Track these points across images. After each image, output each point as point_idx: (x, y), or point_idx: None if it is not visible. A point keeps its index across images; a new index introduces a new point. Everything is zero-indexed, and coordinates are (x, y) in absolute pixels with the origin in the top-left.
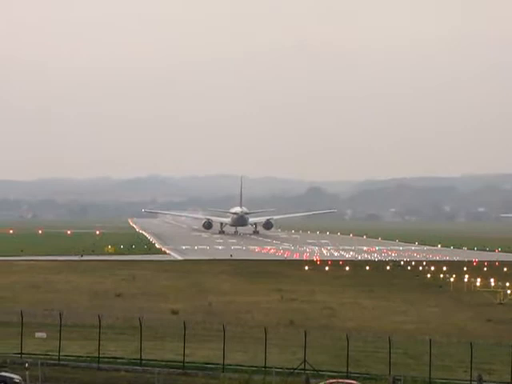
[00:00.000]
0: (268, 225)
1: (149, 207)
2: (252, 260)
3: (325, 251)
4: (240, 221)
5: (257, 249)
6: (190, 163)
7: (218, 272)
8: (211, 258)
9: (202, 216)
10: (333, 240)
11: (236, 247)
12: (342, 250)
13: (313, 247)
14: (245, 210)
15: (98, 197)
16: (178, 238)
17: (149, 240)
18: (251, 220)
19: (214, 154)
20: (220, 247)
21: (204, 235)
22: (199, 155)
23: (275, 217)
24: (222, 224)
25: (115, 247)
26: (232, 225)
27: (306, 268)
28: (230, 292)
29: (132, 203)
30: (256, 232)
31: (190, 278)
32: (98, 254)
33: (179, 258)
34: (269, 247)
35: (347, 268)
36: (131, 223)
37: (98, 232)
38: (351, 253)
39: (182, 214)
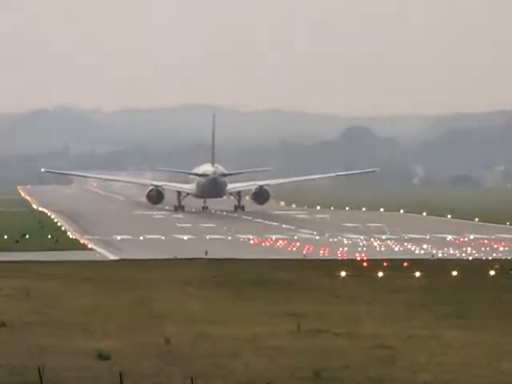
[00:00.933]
0: (261, 195)
1: (56, 164)
2: (244, 260)
3: (376, 243)
4: (212, 188)
5: (253, 239)
6: (131, 86)
7: (181, 282)
8: (168, 256)
9: (146, 181)
10: (390, 223)
11: (214, 236)
12: (408, 240)
13: (354, 236)
14: (220, 169)
15: None
16: (109, 221)
17: (56, 224)
18: (231, 187)
19: (177, 72)
20: (185, 237)
21: (156, 214)
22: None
23: (272, 181)
24: (179, 194)
25: None
26: (198, 195)
27: (343, 274)
28: (202, 318)
29: (26, 157)
30: (240, 207)
31: (130, 292)
32: None
33: (111, 256)
34: (274, 236)
35: (417, 274)
36: (23, 194)
37: None
38: (424, 246)
39: (111, 178)
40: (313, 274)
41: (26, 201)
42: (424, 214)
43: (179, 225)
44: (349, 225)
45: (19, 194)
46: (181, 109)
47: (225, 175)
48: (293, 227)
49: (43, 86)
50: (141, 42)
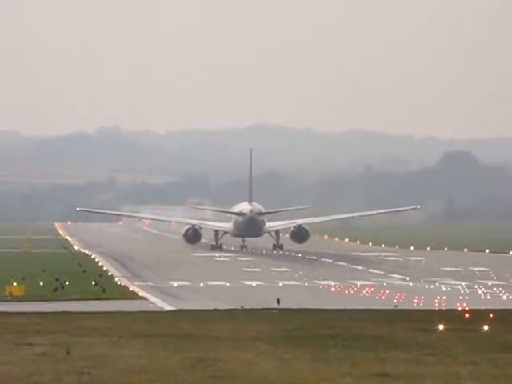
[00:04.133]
0: (299, 234)
1: (101, 196)
2: (324, 311)
3: (481, 291)
4: (249, 226)
5: (334, 286)
6: (188, 103)
7: (250, 338)
8: (233, 306)
9: (182, 219)
10: (497, 266)
11: (287, 282)
12: None
13: (455, 282)
14: (257, 207)
15: None
16: (164, 264)
17: (101, 268)
18: (269, 226)
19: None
20: (254, 283)
21: (218, 256)
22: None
23: (312, 219)
24: (217, 232)
25: (23, 287)
26: (236, 234)
27: (441, 327)
28: (276, 381)
29: (64, 188)
30: (278, 246)
31: (190, 350)
32: None
33: (167, 307)
34: (359, 283)
35: None
36: (62, 232)
37: None
38: None
39: (143, 216)
40: (405, 327)
41: (66, 241)
42: None
43: (246, 269)
44: (448, 269)
45: (57, 232)
46: (249, 130)
47: (262, 214)
48: (382, 272)
49: (84, 105)
50: (203, 54)
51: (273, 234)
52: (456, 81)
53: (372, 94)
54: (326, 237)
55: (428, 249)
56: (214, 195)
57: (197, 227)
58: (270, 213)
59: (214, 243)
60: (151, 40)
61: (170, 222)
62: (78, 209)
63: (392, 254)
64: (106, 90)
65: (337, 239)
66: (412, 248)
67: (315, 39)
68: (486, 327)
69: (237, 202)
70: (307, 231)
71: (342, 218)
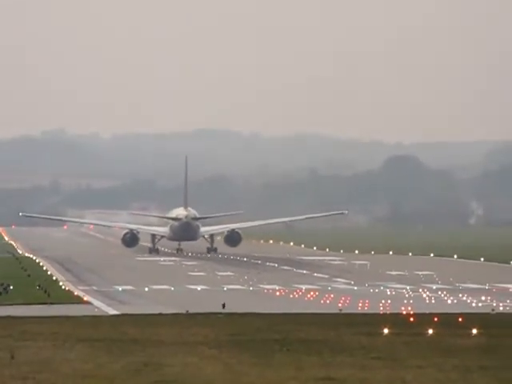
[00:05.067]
0: (233, 238)
1: (45, 201)
2: (269, 315)
3: (425, 295)
4: (185, 231)
5: (278, 290)
6: (133, 107)
7: (195, 342)
8: (178, 310)
9: (122, 224)
10: (442, 270)
11: (232, 287)
12: (463, 291)
13: (399, 286)
14: (192, 212)
15: None
16: (108, 269)
17: (45, 273)
18: (204, 230)
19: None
20: (199, 287)
21: (163, 260)
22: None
23: (244, 224)
24: (154, 237)
25: None
26: (172, 238)
27: (386, 331)
28: None
29: (8, 192)
30: (212, 250)
31: (135, 354)
32: None
33: (111, 311)
34: (304, 287)
35: (474, 331)
36: (6, 237)
37: None
38: (483, 298)
39: (85, 221)
40: (350, 331)
41: (10, 245)
42: (482, 259)
43: (191, 273)
44: (393, 273)
45: (1, 236)
46: (194, 135)
47: (197, 219)
48: (326, 276)
49: (29, 107)
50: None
51: (207, 237)
52: (402, 84)
53: (319, 97)
54: (271, 241)
55: (373, 253)
56: (160, 199)
57: (134, 231)
58: (204, 218)
59: (152, 246)
60: (99, 40)
61: (109, 226)
62: (20, 214)
63: (337, 257)
64: (52, 92)
65: (282, 243)
66: (357, 252)
67: (262, 40)
68: (430, 331)
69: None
70: (240, 235)
71: (276, 223)
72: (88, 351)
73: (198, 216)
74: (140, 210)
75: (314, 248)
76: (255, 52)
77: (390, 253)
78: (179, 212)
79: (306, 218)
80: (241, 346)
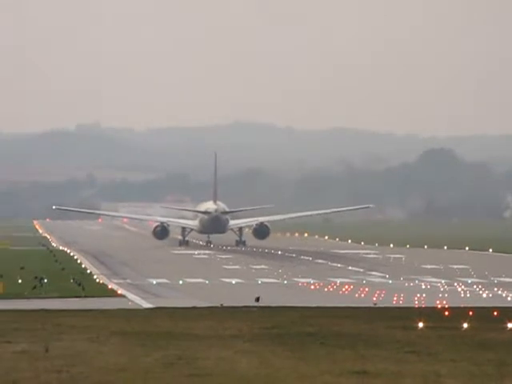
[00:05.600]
0: (261, 231)
1: (81, 194)
2: (303, 309)
3: (460, 288)
4: (214, 224)
5: (313, 284)
6: (169, 101)
7: (230, 336)
8: (213, 304)
9: (152, 217)
10: (477, 264)
11: (267, 280)
12: (499, 285)
13: (434, 280)
14: (222, 206)
15: None
16: (143, 262)
17: (80, 266)
18: (233, 223)
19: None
20: (233, 281)
21: (197, 254)
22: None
23: (273, 217)
24: (184, 229)
25: (1, 284)
26: (202, 231)
27: (420, 325)
28: (255, 379)
29: (43, 185)
30: (241, 242)
31: (168, 348)
32: None
33: (145, 304)
34: (338, 280)
35: (509, 325)
36: (40, 230)
37: None
38: None
39: (117, 214)
40: (384, 325)
41: (45, 238)
42: None
43: (226, 266)
44: (428, 266)
45: (36, 229)
46: (230, 128)
47: (226, 213)
48: (361, 269)
49: (65, 102)
50: (181, 50)
51: (236, 230)
52: (438, 79)
53: (354, 92)
54: (306, 234)
55: (408, 246)
56: (194, 192)
57: (165, 224)
58: (232, 212)
59: (182, 238)
60: (133, 37)
61: (140, 219)
62: (53, 207)
63: (371, 251)
64: (87, 87)
65: (317, 237)
66: (392, 245)
67: (298, 38)
68: (465, 325)
69: (220, 198)
70: (268, 228)
71: (304, 216)
72: (122, 344)
73: (227, 210)
74: (174, 203)
75: (349, 241)
76: (291, 46)
77: (425, 246)
78: (209, 206)
79: (333, 212)
80: (275, 340)
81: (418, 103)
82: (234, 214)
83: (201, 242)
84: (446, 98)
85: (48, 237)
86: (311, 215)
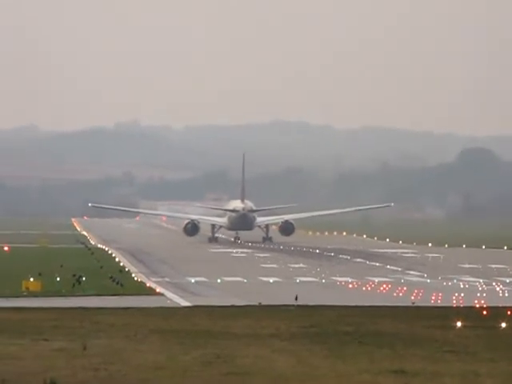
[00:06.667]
0: (286, 228)
1: (119, 192)
2: (341, 308)
3: (499, 288)
4: (242, 222)
5: (351, 283)
6: (206, 99)
7: (267, 334)
8: (251, 302)
9: (182, 215)
10: None
11: (305, 279)
12: None
13: (473, 279)
14: (249, 205)
15: (8, 167)
16: (181, 260)
17: (118, 264)
18: (260, 220)
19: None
20: (271, 279)
21: (235, 252)
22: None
23: (297, 215)
24: (213, 226)
25: (40, 282)
26: (230, 228)
27: (459, 324)
28: (293, 378)
29: (81, 183)
30: (268, 239)
31: (206, 346)
32: (3, 295)
33: (183, 303)
34: (376, 279)
35: None
36: (78, 228)
37: (5, 248)
38: None
39: (153, 212)
40: (422, 324)
41: (83, 236)
42: None
43: (263, 265)
44: (466, 266)
45: (74, 227)
46: (266, 126)
47: (253, 211)
48: (399, 268)
49: (103, 99)
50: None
51: (263, 227)
52: (476, 78)
53: (389, 90)
54: (344, 233)
55: (446, 246)
56: (232, 191)
57: (195, 221)
58: (259, 210)
59: (212, 235)
60: (172, 36)
61: (173, 217)
62: (89, 205)
63: (410, 250)
64: (125, 85)
65: (355, 235)
66: (430, 245)
67: (331, 38)
68: (504, 324)
69: (257, 196)
70: (293, 225)
71: (324, 215)
72: (160, 343)
73: (254, 208)
74: (212, 202)
75: (387, 240)
76: (330, 46)
77: (464, 246)
78: (237, 204)
79: (356, 211)
80: (313, 339)
81: (456, 102)
82: (263, 212)
83: (230, 239)
84: (484, 96)
85: (86, 234)
86: (334, 214)
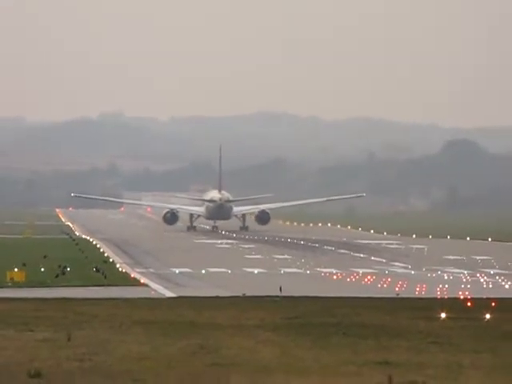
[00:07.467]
0: (262, 217)
1: (104, 183)
2: (326, 299)
3: (483, 279)
4: (219, 212)
5: (335, 274)
6: (192, 89)
7: (252, 325)
8: (235, 293)
9: (161, 204)
10: (500, 255)
11: (289, 270)
12: None
13: (457, 270)
14: (226, 195)
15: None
16: (165, 251)
17: (102, 255)
18: (237, 210)
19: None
20: (255, 270)
21: (220, 243)
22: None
23: (273, 205)
24: (192, 216)
25: (24, 273)
26: (208, 217)
27: (443, 316)
28: (277, 368)
29: (65, 174)
30: (244, 228)
31: (190, 337)
32: None
33: (168, 294)
34: (361, 270)
35: None
36: (63, 218)
37: None
38: None
39: (134, 202)
40: (407, 315)
41: (67, 227)
42: None
43: (248, 256)
44: (450, 257)
45: (58, 218)
46: (252, 117)
47: (230, 201)
48: (384, 260)
49: (85, 89)
50: (213, 44)
51: (240, 217)
52: (459, 68)
53: (375, 81)
54: (329, 224)
55: (430, 237)
56: (217, 181)
57: (174, 211)
58: (235, 200)
59: (189, 224)
60: (155, 26)
61: (152, 206)
62: (72, 195)
63: (394, 241)
64: (110, 76)
65: (339, 226)
66: (414, 236)
67: (319, 28)
68: (488, 316)
69: (244, 186)
70: (269, 215)
71: (298, 204)
72: (144, 333)
73: (230, 199)
74: (198, 193)
75: (372, 231)
76: (316, 34)
77: (448, 237)
78: (214, 195)
79: (327, 201)
80: (297, 330)
81: (439, 94)
82: (240, 202)
83: (207, 227)
84: (468, 89)
85: (71, 225)
86: (309, 203)
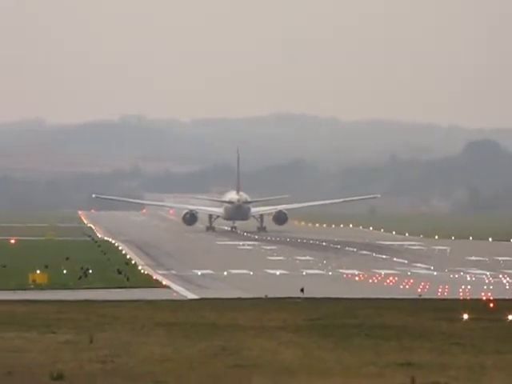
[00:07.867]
0: (280, 218)
1: (126, 184)
2: (348, 300)
3: (506, 280)
4: (237, 213)
5: (358, 275)
6: (212, 92)
7: (274, 327)
8: (257, 295)
9: (182, 205)
10: None
11: (311, 271)
12: None
13: (479, 272)
14: (244, 196)
15: (15, 160)
16: (187, 253)
17: (124, 257)
18: (255, 210)
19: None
20: (277, 272)
21: (242, 245)
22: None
23: (290, 206)
24: (211, 217)
25: (46, 275)
26: (226, 218)
27: (465, 317)
28: (299, 370)
29: (88, 176)
30: (262, 228)
31: (213, 339)
32: (10, 288)
33: (190, 295)
34: (383, 271)
35: None
36: (85, 220)
37: (12, 241)
38: None
39: (157, 203)
40: (429, 316)
41: (89, 229)
42: None
43: (270, 258)
44: (473, 258)
45: (81, 220)
46: (273, 119)
47: (248, 202)
48: (406, 261)
49: (109, 92)
50: (231, 45)
51: (257, 217)
52: (482, 70)
53: (397, 82)
54: (350, 225)
55: (453, 238)
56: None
57: (193, 212)
58: (253, 201)
59: (209, 225)
60: (177, 27)
61: (170, 207)
62: (93, 195)
63: (416, 243)
64: (131, 78)
65: (361, 227)
66: (436, 237)
67: (338, 29)
68: (510, 317)
69: (263, 188)
70: (286, 215)
71: (315, 205)
72: (166, 335)
73: (248, 200)
74: (219, 194)
75: (394, 233)
76: (335, 36)
77: (470, 238)
78: (232, 196)
79: (343, 202)
80: (319, 331)
81: (461, 95)
82: (260, 203)
83: (226, 228)
84: (490, 90)
85: (93, 227)
86: (326, 204)
